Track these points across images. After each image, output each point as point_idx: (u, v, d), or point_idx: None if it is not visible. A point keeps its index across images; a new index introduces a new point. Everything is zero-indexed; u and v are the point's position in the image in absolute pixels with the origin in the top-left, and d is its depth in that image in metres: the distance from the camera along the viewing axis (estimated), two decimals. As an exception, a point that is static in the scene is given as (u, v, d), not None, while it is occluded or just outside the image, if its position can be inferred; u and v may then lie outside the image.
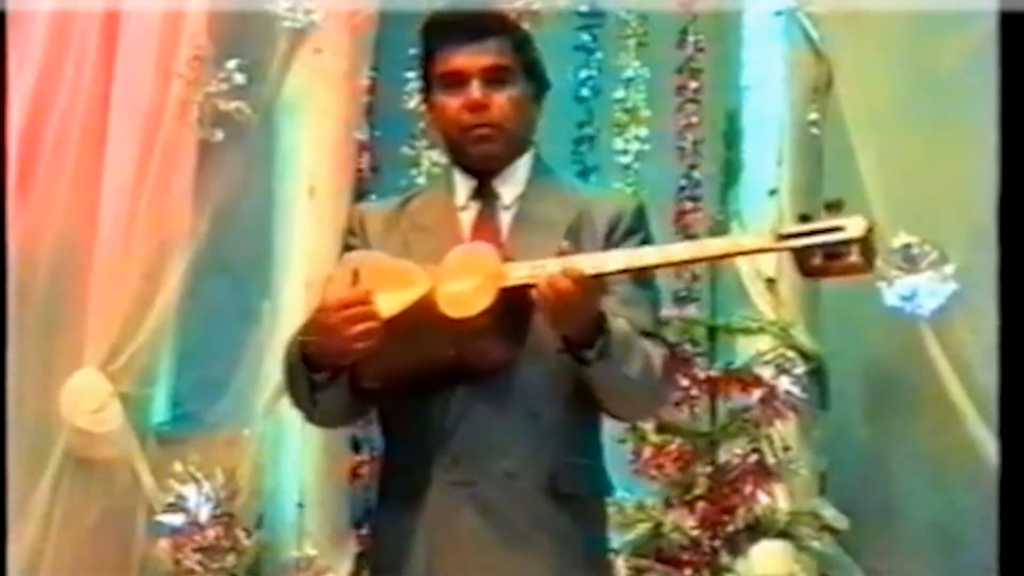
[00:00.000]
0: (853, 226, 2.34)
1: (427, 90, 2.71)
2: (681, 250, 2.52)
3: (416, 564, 2.54)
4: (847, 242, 2.33)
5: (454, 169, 2.71)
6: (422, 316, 2.48)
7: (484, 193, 2.66)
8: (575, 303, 2.40)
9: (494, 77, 2.63)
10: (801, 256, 2.37)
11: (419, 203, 2.73)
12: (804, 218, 2.39)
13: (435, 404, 2.54)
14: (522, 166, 2.69)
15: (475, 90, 2.61)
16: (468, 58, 2.62)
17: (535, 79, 2.70)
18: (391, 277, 2.52)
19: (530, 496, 2.52)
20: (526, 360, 2.52)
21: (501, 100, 2.62)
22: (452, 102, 2.63)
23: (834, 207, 2.37)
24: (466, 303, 2.45)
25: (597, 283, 2.43)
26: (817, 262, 2.36)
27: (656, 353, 2.56)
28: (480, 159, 2.65)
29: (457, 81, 2.63)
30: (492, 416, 2.52)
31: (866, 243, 2.33)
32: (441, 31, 2.67)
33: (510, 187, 2.67)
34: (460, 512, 2.52)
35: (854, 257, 2.34)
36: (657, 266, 2.50)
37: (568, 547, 2.54)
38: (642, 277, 2.57)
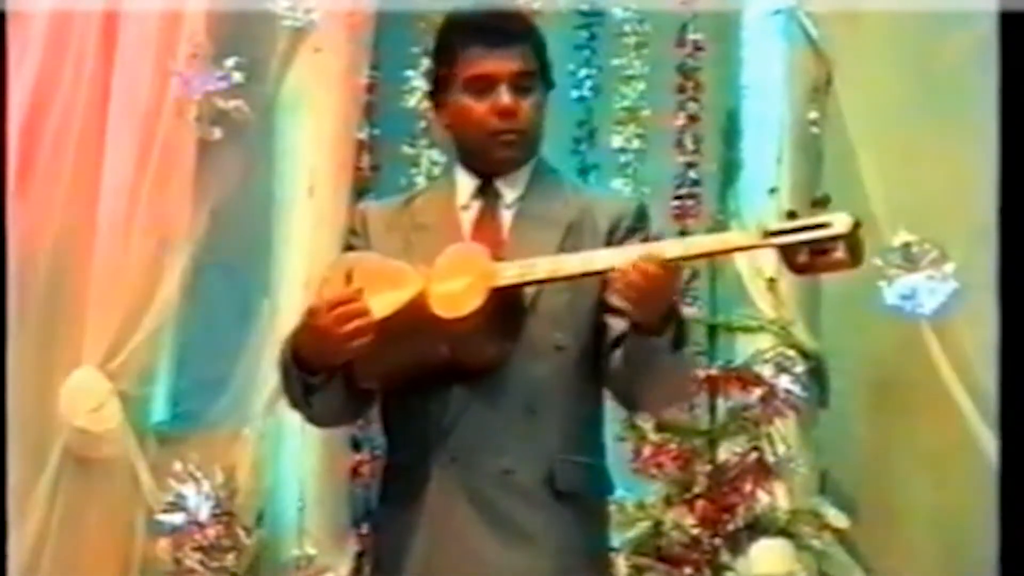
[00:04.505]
0: (839, 222, 2.34)
1: (440, 88, 2.68)
2: (669, 247, 2.50)
3: (415, 561, 2.55)
4: (833, 238, 2.34)
5: (457, 168, 2.70)
6: (414, 316, 2.49)
7: (487, 192, 2.66)
8: (663, 288, 2.41)
9: (521, 83, 2.62)
10: (788, 252, 2.38)
11: (421, 202, 2.74)
12: (791, 214, 2.40)
13: (434, 402, 2.55)
14: (526, 166, 2.68)
15: (505, 96, 2.60)
16: (497, 63, 2.61)
17: (548, 82, 2.70)
18: (384, 278, 2.53)
19: (528, 494, 2.53)
20: (523, 357, 2.53)
21: (526, 106, 2.62)
22: (478, 106, 2.61)
23: (820, 203, 2.38)
24: (457, 303, 2.47)
25: (680, 269, 2.45)
26: (804, 258, 2.37)
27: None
28: (501, 164, 2.65)
29: (485, 86, 2.61)
30: (489, 414, 2.53)
31: (852, 239, 2.34)
32: (468, 32, 2.64)
33: (513, 186, 2.66)
34: (458, 509, 2.53)
35: (840, 253, 2.35)
36: None
37: (567, 545, 2.54)
38: None
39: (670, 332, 2.47)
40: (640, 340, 2.49)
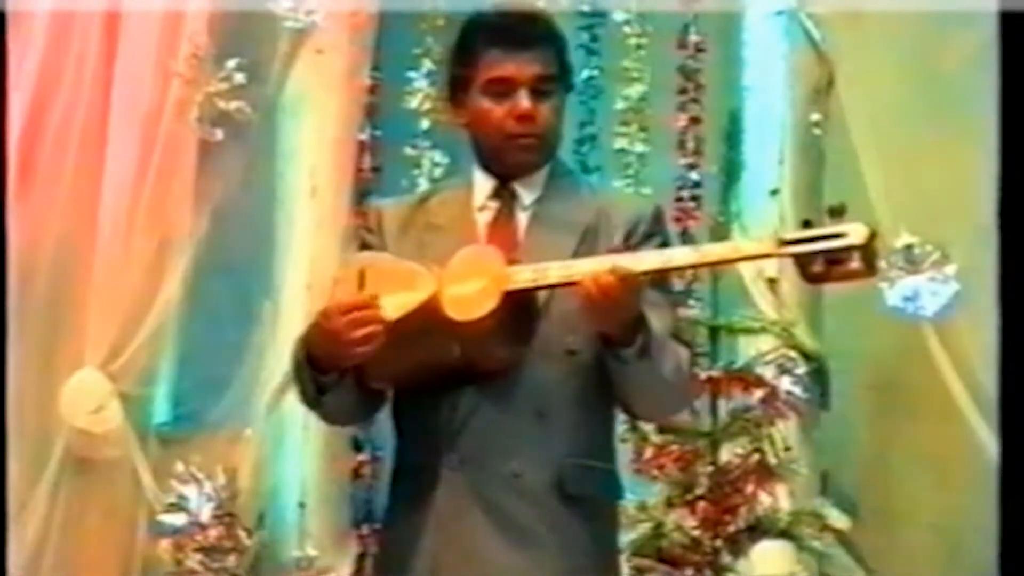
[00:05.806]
0: (855, 232, 2.33)
1: (458, 88, 2.67)
2: (683, 255, 2.52)
3: (423, 563, 2.55)
4: (849, 248, 2.33)
5: (474, 169, 2.69)
6: (427, 318, 2.48)
7: (503, 194, 2.66)
8: (620, 300, 2.40)
9: (540, 87, 2.61)
10: (803, 262, 2.37)
11: (436, 202, 2.73)
12: (807, 224, 2.39)
13: (444, 404, 2.55)
14: (543, 168, 2.67)
15: (524, 100, 2.59)
16: (518, 66, 2.59)
17: (568, 85, 2.69)
18: (397, 279, 2.53)
19: (537, 497, 2.53)
20: (535, 361, 2.53)
21: (545, 110, 2.61)
22: (497, 109, 2.60)
23: (836, 212, 2.36)
24: (470, 306, 2.46)
25: (641, 282, 2.43)
26: (819, 268, 2.36)
27: (683, 353, 2.57)
28: (518, 167, 2.64)
29: (505, 89, 2.60)
30: (499, 416, 2.53)
31: (868, 249, 2.33)
32: (489, 34, 2.63)
33: (530, 188, 2.66)
34: (467, 512, 2.53)
35: (855, 263, 2.33)
36: (659, 271, 2.49)
37: (575, 548, 2.54)
38: (660, 280, 2.57)
39: (636, 344, 2.47)
40: (609, 350, 2.49)
